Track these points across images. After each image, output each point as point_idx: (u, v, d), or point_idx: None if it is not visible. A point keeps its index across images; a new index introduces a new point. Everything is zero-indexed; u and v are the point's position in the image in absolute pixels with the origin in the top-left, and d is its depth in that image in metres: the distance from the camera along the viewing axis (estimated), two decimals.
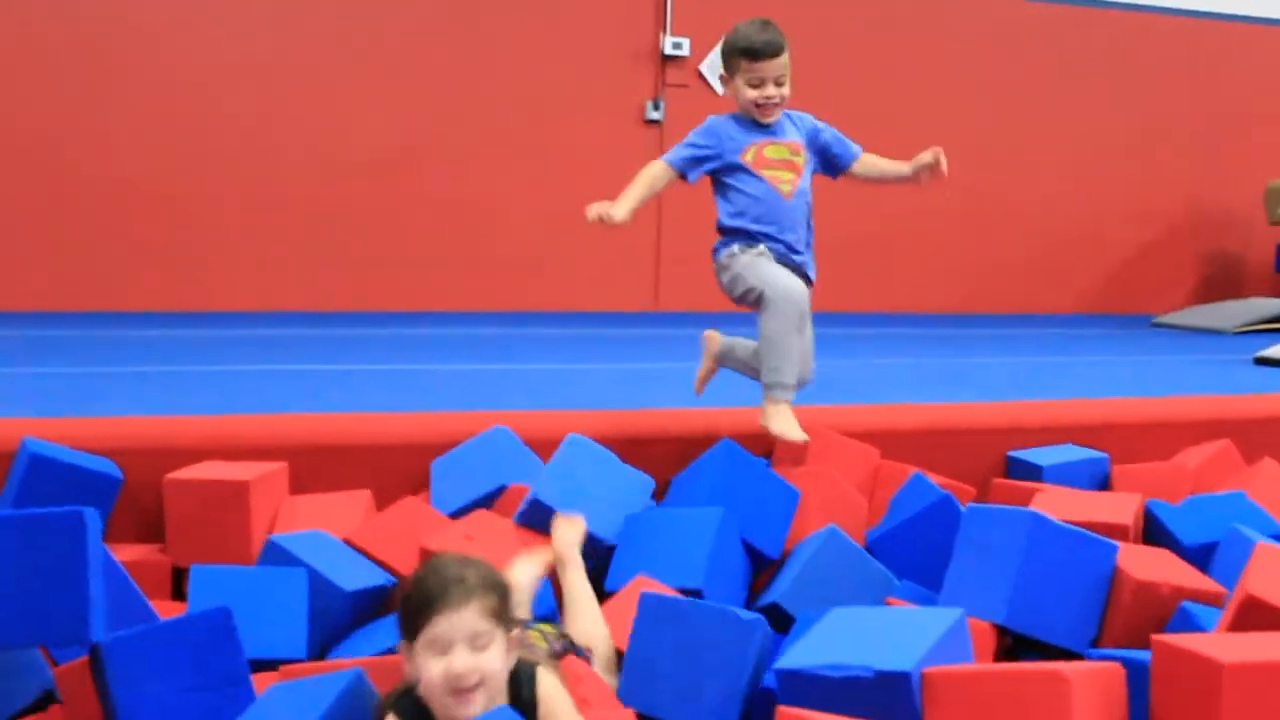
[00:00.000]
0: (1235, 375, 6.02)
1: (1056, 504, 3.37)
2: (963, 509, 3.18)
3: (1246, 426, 4.50)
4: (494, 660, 2.21)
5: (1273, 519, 3.54)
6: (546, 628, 2.74)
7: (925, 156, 4.02)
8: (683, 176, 3.84)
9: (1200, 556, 3.41)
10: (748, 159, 3.79)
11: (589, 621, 2.95)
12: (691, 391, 4.24)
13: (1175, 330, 8.61)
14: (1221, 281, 10.34)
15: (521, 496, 3.41)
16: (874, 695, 2.13)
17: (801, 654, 2.29)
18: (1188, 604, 2.84)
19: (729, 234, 3.84)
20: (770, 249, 3.78)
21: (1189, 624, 2.77)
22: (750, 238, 3.79)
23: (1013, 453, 4.18)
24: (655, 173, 3.83)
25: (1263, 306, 8.92)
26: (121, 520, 3.40)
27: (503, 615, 2.26)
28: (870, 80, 9.03)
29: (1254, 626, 2.44)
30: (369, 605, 3.15)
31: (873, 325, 8.15)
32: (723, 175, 3.82)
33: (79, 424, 3.61)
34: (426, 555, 3.15)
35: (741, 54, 3.75)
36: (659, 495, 3.76)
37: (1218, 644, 2.09)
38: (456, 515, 3.45)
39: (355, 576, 3.11)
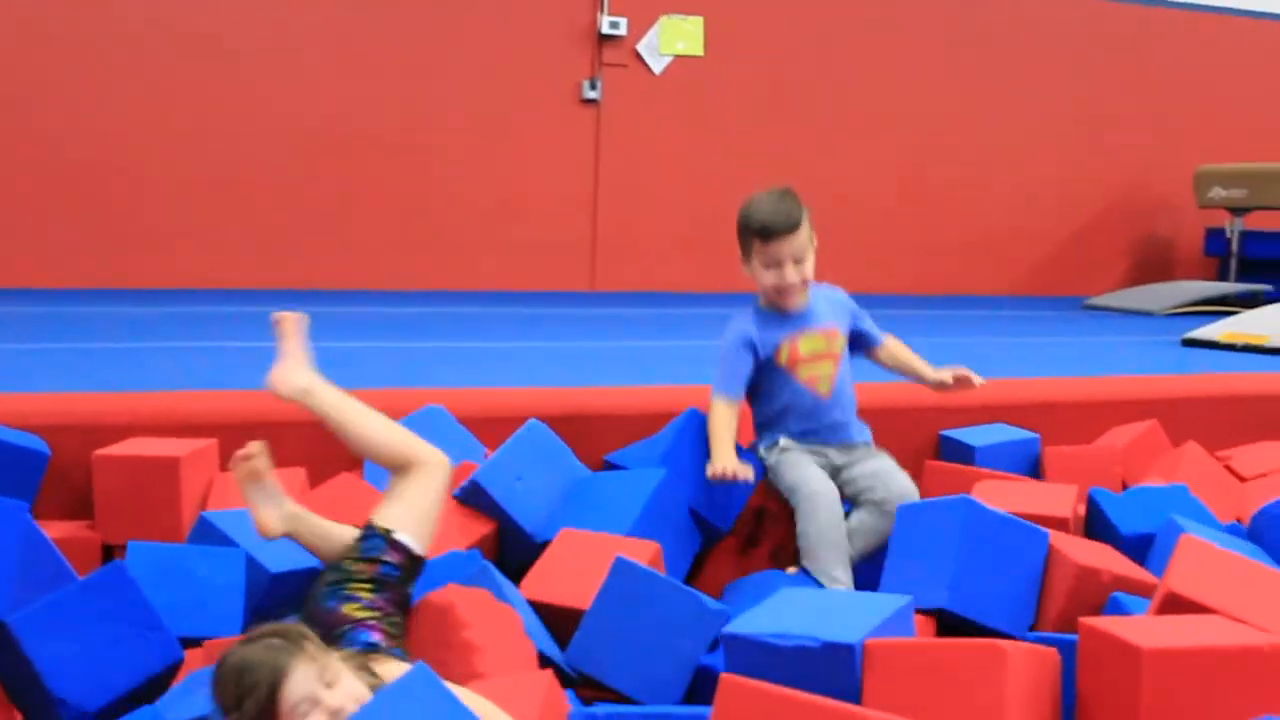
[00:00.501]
0: (1164, 356, 6.10)
1: (994, 494, 3.39)
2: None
3: (1173, 406, 4.57)
4: (349, 688, 2.12)
5: (1211, 514, 3.59)
6: (357, 584, 2.54)
7: (946, 377, 3.70)
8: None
9: (1138, 547, 3.45)
10: (782, 360, 3.49)
11: (376, 434, 2.73)
12: (628, 370, 4.22)
13: (1106, 312, 8.71)
14: (1152, 264, 10.47)
15: (461, 473, 3.39)
16: (817, 666, 2.16)
17: (749, 622, 2.31)
18: (1119, 594, 2.89)
19: (764, 428, 3.60)
20: (800, 444, 3.52)
21: (1119, 612, 2.80)
22: (785, 433, 3.54)
23: (945, 432, 4.21)
24: (723, 413, 3.43)
25: (1192, 289, 9.03)
26: (50, 497, 3.37)
27: (313, 646, 2.16)
28: (810, 62, 9.06)
29: None
30: (304, 587, 3.12)
31: None
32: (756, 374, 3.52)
33: (7, 400, 3.57)
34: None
35: (755, 234, 3.42)
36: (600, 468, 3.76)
37: (1140, 628, 2.13)
38: None
39: (284, 558, 3.06)
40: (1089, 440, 4.38)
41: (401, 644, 2.50)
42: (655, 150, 8.65)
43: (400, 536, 2.58)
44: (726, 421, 3.39)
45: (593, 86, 8.45)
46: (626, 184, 8.59)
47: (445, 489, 2.72)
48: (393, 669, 2.26)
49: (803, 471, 3.42)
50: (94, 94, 7.46)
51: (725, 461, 3.27)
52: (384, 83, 8.02)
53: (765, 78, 8.92)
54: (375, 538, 2.59)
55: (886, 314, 7.76)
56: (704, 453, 3.49)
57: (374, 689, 2.15)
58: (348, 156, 7.94)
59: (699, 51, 8.67)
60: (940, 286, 9.58)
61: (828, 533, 3.31)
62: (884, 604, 2.35)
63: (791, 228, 3.38)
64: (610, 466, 3.79)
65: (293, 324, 2.86)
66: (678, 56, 8.64)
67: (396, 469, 2.73)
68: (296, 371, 2.81)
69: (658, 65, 8.61)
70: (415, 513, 2.63)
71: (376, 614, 2.49)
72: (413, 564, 2.60)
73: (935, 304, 8.78)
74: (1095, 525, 3.59)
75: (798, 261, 3.41)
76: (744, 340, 3.48)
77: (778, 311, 3.50)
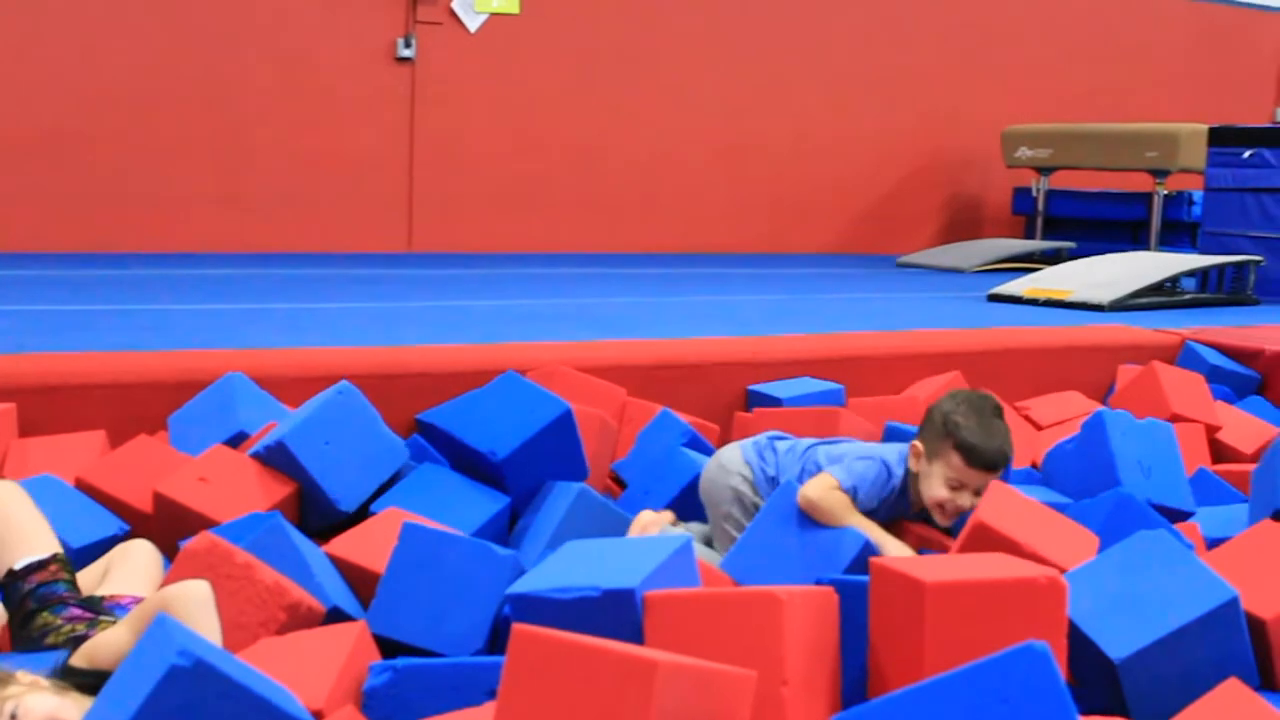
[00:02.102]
0: (970, 311, 6.28)
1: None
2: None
3: (975, 358, 4.72)
4: (37, 709, 2.08)
5: None
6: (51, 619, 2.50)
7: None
8: None
9: None
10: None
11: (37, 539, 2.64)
12: (443, 330, 4.19)
13: (919, 269, 8.91)
14: (963, 223, 10.74)
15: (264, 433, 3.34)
16: (602, 614, 2.19)
17: (533, 580, 2.34)
18: None
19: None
20: None
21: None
22: None
23: (753, 386, 4.28)
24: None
25: (1000, 246, 9.30)
26: None
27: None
28: (627, 22, 9.08)
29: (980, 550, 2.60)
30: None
31: (628, 265, 8.23)
32: None
33: None
34: (160, 499, 3.08)
35: (964, 454, 3.03)
36: (410, 429, 3.75)
37: (924, 566, 2.23)
38: None
39: (82, 530, 3.00)
40: (897, 392, 4.49)
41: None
42: (472, 109, 8.59)
43: (18, 566, 2.54)
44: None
45: (407, 44, 8.35)
46: (443, 143, 8.52)
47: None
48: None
49: None
50: None
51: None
52: (192, 37, 7.82)
53: (582, 37, 8.92)
54: (11, 588, 2.54)
55: (702, 272, 7.90)
56: (515, 412, 3.45)
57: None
58: (153, 114, 7.73)
59: (515, 10, 8.63)
60: (757, 245, 9.71)
61: None
62: (663, 545, 2.40)
63: (1002, 467, 3.07)
64: (423, 426, 3.78)
65: None
66: (493, 14, 8.58)
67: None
68: None
69: (473, 23, 8.54)
70: (10, 533, 2.58)
71: (79, 625, 2.47)
72: (45, 569, 2.55)
73: (752, 262, 8.89)
74: None
75: (977, 494, 3.03)
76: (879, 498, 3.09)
77: (909, 504, 3.16)
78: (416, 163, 8.44)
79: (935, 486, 3.05)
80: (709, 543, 3.30)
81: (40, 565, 2.53)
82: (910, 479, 3.12)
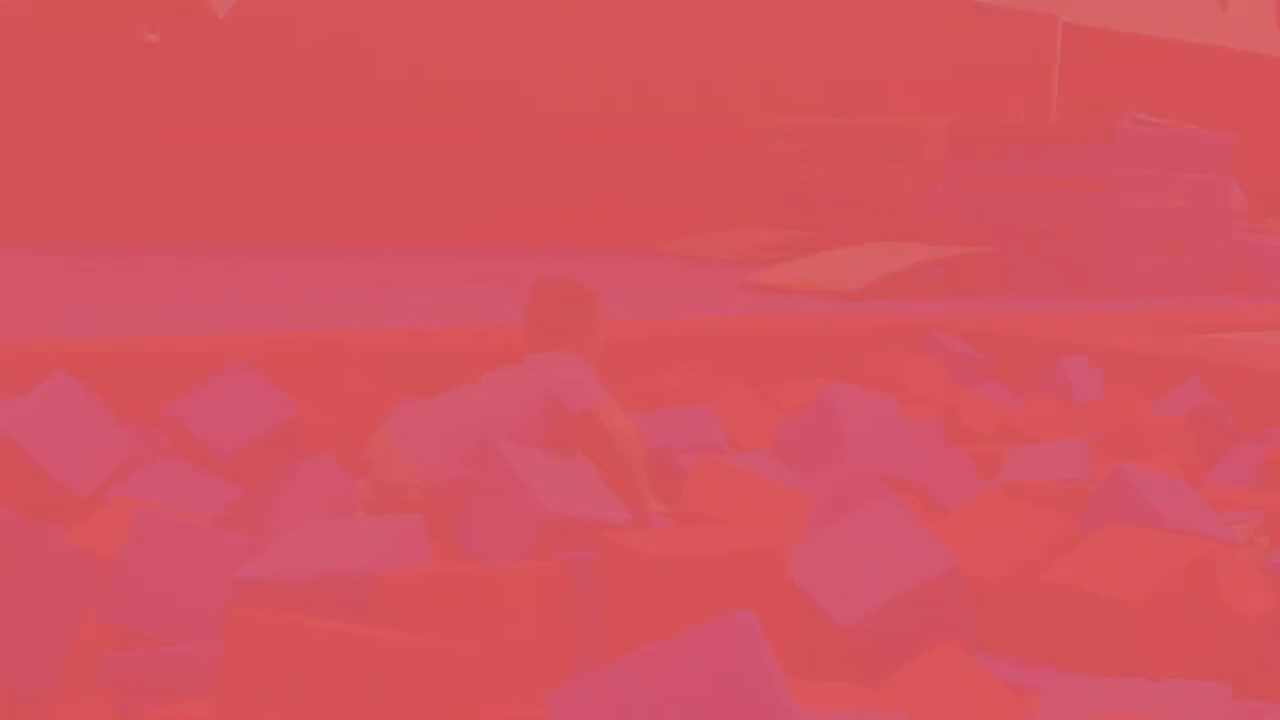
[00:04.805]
0: (726, 299, 6.36)
1: None
2: None
3: (726, 344, 4.82)
4: None
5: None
6: None
7: None
8: None
9: None
10: None
11: None
12: (183, 318, 4.10)
13: (679, 258, 9.00)
14: (724, 213, 10.87)
15: None
16: (331, 595, 2.18)
17: (262, 564, 2.32)
18: (654, 515, 3.09)
19: None
20: None
21: None
22: None
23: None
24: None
25: (760, 237, 9.46)
26: None
27: None
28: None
29: None
30: None
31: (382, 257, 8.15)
32: None
33: None
34: None
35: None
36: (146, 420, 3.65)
37: (650, 540, 2.26)
38: None
39: None
40: (648, 379, 4.53)
41: None
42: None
43: None
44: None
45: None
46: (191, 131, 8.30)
47: None
48: None
49: None
50: None
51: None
52: None
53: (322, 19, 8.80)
54: None
55: (450, 265, 7.82)
56: (242, 410, 3.42)
57: None
58: None
59: None
60: (515, 236, 9.66)
61: None
62: (394, 526, 2.39)
63: None
64: (165, 416, 3.69)
65: None
66: None
67: None
68: None
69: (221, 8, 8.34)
70: None
71: None
72: None
73: (507, 252, 8.85)
74: None
75: None
76: None
77: None
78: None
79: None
80: None
81: None
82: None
